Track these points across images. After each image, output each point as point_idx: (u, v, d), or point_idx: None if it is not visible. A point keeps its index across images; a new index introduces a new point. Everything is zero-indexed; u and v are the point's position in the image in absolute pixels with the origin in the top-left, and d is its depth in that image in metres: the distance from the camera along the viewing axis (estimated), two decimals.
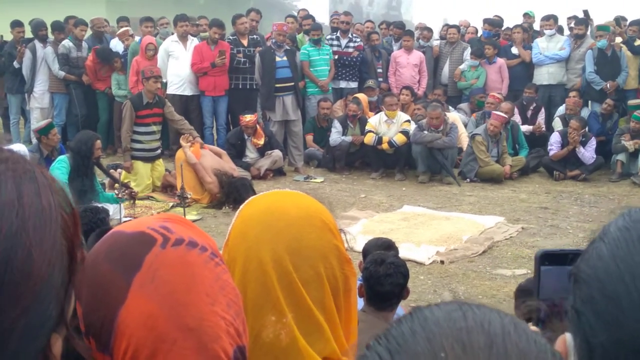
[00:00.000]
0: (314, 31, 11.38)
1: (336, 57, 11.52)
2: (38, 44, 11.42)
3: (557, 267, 1.16)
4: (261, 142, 10.03)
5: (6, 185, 0.69)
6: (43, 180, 0.73)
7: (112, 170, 9.19)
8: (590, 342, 0.75)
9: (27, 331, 0.67)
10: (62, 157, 7.66)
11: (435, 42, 12.77)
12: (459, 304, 0.64)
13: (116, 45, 11.90)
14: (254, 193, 8.72)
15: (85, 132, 8.38)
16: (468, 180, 10.00)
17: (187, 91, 10.90)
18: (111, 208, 7.01)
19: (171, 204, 8.67)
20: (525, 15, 13.17)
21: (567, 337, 0.80)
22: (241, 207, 1.33)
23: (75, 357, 1.06)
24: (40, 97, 11.42)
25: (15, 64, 11.45)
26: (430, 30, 12.90)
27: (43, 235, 0.69)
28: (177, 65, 10.87)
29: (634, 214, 0.80)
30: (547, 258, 1.20)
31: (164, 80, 10.95)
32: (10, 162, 0.71)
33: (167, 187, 9.29)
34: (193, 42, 11.05)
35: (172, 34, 11.35)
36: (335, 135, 10.45)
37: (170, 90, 10.81)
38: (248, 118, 9.92)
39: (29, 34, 11.86)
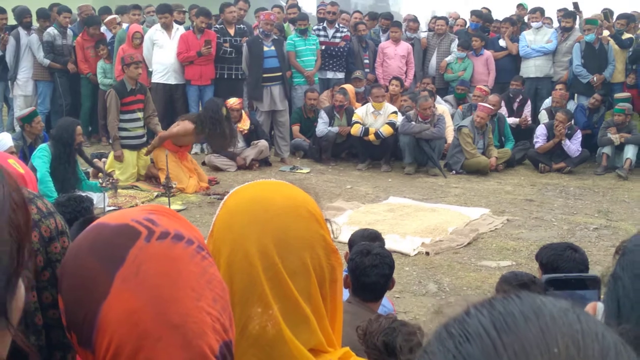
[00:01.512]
0: (300, 21, 11.32)
1: (323, 47, 11.48)
2: (22, 31, 11.27)
3: (562, 292, 1.21)
4: (246, 127, 9.97)
5: None
6: None
7: (96, 160, 9.13)
8: (621, 303, 0.80)
9: None
10: (43, 145, 7.57)
11: (423, 33, 12.75)
12: (570, 304, 0.63)
13: (104, 33, 11.79)
14: (225, 109, 8.89)
15: (65, 118, 8.30)
16: (454, 172, 10.02)
17: (172, 80, 10.82)
18: (95, 197, 6.96)
19: (156, 193, 8.62)
20: (519, 6, 13.16)
21: (598, 305, 0.88)
22: (226, 197, 1.31)
23: (56, 346, 1.04)
24: (23, 85, 11.30)
25: None
26: (416, 21, 12.87)
27: None
28: (162, 54, 10.79)
29: None
30: (552, 283, 1.25)
31: (150, 69, 10.87)
32: None
33: (151, 177, 9.24)
34: (178, 30, 10.97)
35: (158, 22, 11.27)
36: (322, 126, 10.42)
37: (155, 79, 10.74)
38: (233, 101, 9.85)
39: (12, 21, 11.70)
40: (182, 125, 8.80)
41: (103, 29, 11.87)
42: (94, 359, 0.92)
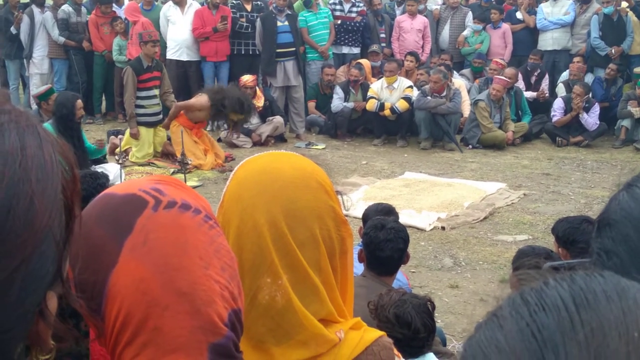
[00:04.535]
0: None
1: (339, 22, 11.38)
2: (36, 9, 11.30)
3: None
4: (260, 103, 9.95)
5: (9, 135, 0.68)
6: (45, 136, 0.72)
7: (112, 137, 9.17)
8: None
9: (26, 283, 0.67)
10: (45, 124, 7.50)
11: (436, 6, 12.62)
12: None
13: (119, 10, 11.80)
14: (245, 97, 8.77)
15: (64, 93, 8.18)
16: (470, 146, 9.97)
17: (184, 56, 10.80)
18: (111, 173, 6.98)
19: (172, 170, 8.65)
20: None
21: None
22: (236, 168, 1.31)
23: (69, 314, 1.06)
24: (39, 63, 11.34)
25: (13, 30, 11.33)
26: None
27: (45, 187, 0.68)
28: (174, 30, 10.78)
29: None
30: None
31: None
32: (13, 114, 0.70)
33: (168, 155, 9.27)
34: (191, 6, 10.92)
35: None
36: (337, 102, 10.38)
37: (168, 55, 10.73)
38: (246, 78, 9.83)
39: None
40: (199, 99, 8.78)
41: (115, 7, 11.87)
42: (103, 327, 0.93)
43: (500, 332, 0.58)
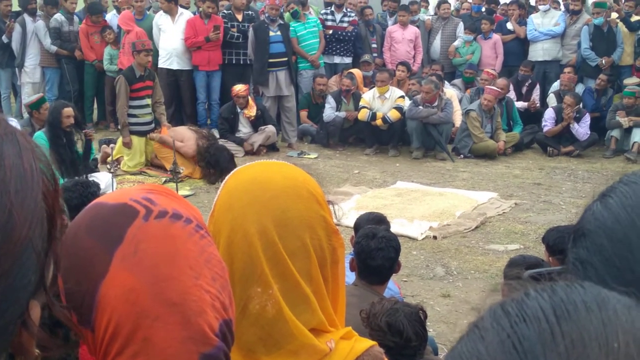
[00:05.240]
0: (290, 5, 11.22)
1: (330, 32, 11.41)
2: (27, 18, 11.27)
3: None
4: (252, 113, 9.95)
5: None
6: (25, 143, 0.70)
7: (104, 145, 9.16)
8: None
9: (6, 295, 0.65)
10: (38, 133, 7.45)
11: (428, 16, 12.67)
12: (634, 302, 0.60)
13: (111, 19, 11.79)
14: (233, 162, 8.70)
15: (56, 102, 8.20)
16: (462, 156, 10.00)
17: (174, 65, 10.78)
18: (102, 182, 6.95)
19: (164, 179, 8.64)
20: None
21: None
22: (227, 177, 1.31)
23: (54, 324, 1.05)
24: (31, 72, 11.30)
25: (4, 39, 11.30)
26: (416, 3, 12.76)
27: (24, 198, 0.67)
28: (165, 39, 10.79)
29: (639, 172, 0.85)
30: (534, 280, 1.24)
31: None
32: None
33: (159, 166, 9.26)
34: (182, 15, 10.91)
35: None
36: (329, 111, 10.39)
37: (160, 63, 10.73)
38: (239, 87, 9.84)
39: (16, 7, 11.70)
40: (185, 146, 8.74)
41: (110, 15, 11.86)
42: (93, 337, 0.93)
43: (482, 344, 0.58)
